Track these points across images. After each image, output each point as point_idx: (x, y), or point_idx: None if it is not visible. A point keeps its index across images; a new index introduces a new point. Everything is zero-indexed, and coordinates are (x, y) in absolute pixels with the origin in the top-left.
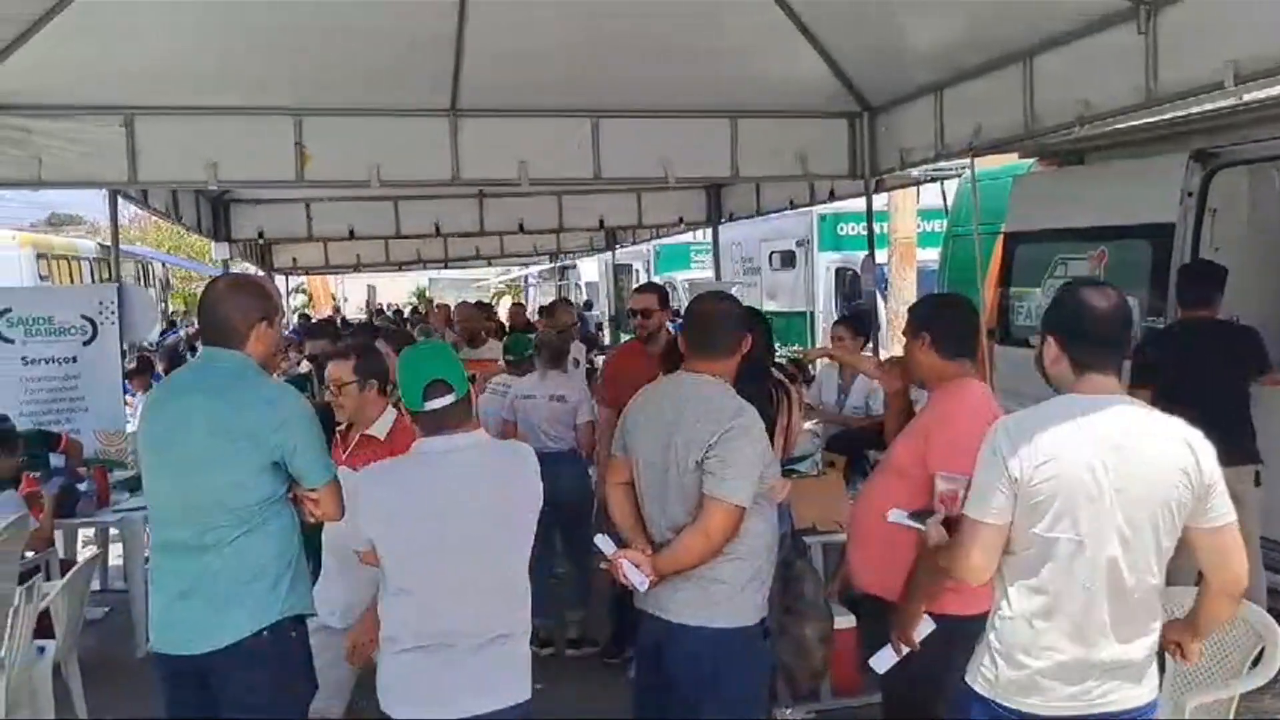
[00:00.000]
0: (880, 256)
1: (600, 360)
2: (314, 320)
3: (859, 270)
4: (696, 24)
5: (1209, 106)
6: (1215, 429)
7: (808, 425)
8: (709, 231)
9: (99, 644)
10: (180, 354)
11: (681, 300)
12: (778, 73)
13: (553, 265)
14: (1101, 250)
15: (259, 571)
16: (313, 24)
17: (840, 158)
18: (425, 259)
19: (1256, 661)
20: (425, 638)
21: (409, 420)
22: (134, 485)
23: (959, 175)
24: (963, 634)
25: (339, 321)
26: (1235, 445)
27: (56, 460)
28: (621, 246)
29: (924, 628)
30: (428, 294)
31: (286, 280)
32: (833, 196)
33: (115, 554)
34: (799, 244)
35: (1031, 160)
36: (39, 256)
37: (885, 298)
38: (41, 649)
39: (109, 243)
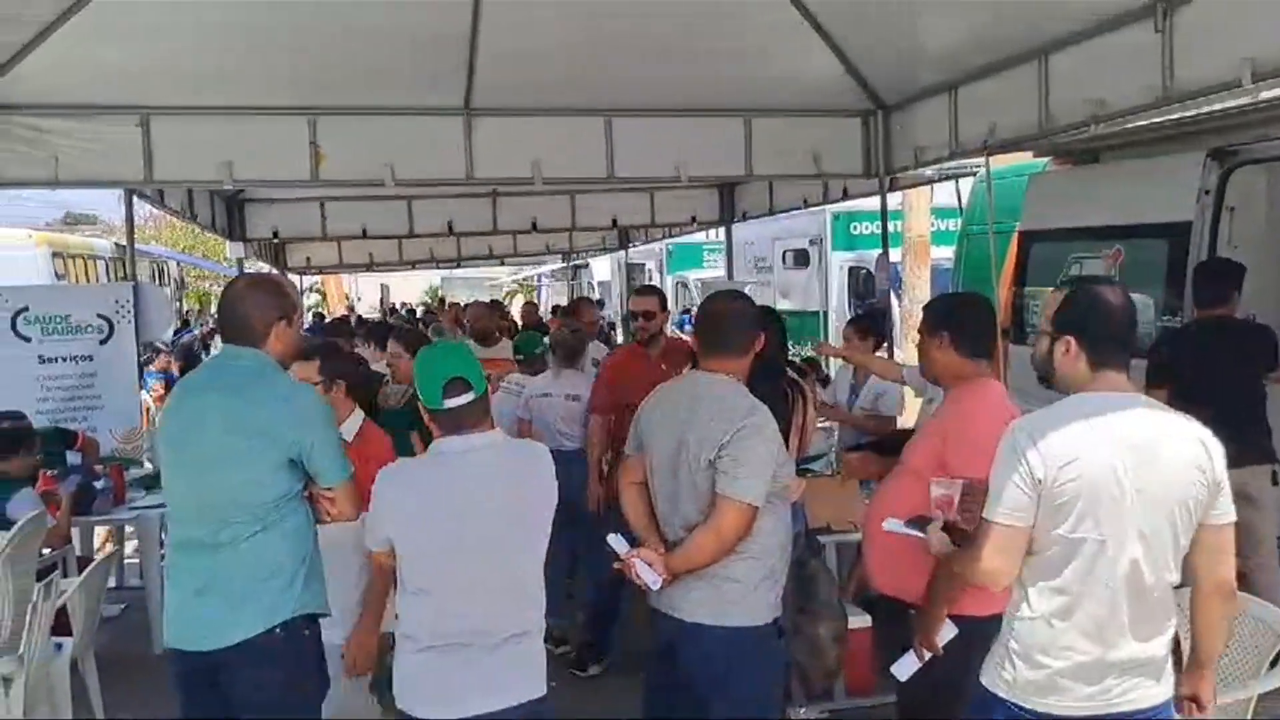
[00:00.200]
0: (894, 255)
1: None
2: (329, 319)
3: (872, 269)
4: (711, 23)
5: (1226, 104)
6: (1232, 429)
7: (820, 424)
8: (721, 231)
9: (115, 641)
10: (195, 353)
11: (694, 300)
12: (792, 71)
13: (565, 264)
14: (1117, 249)
15: (274, 569)
16: (327, 24)
17: (854, 156)
18: (438, 258)
19: (1275, 663)
20: (443, 637)
21: (428, 419)
22: (150, 483)
23: (973, 174)
24: (980, 635)
25: (353, 320)
26: (1252, 445)
27: (73, 458)
28: (634, 246)
29: (946, 632)
30: (440, 293)
31: (300, 279)
32: (846, 195)
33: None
34: (812, 243)
35: (1046, 159)
36: (55, 255)
37: (899, 297)
38: (59, 645)
39: (124, 242)
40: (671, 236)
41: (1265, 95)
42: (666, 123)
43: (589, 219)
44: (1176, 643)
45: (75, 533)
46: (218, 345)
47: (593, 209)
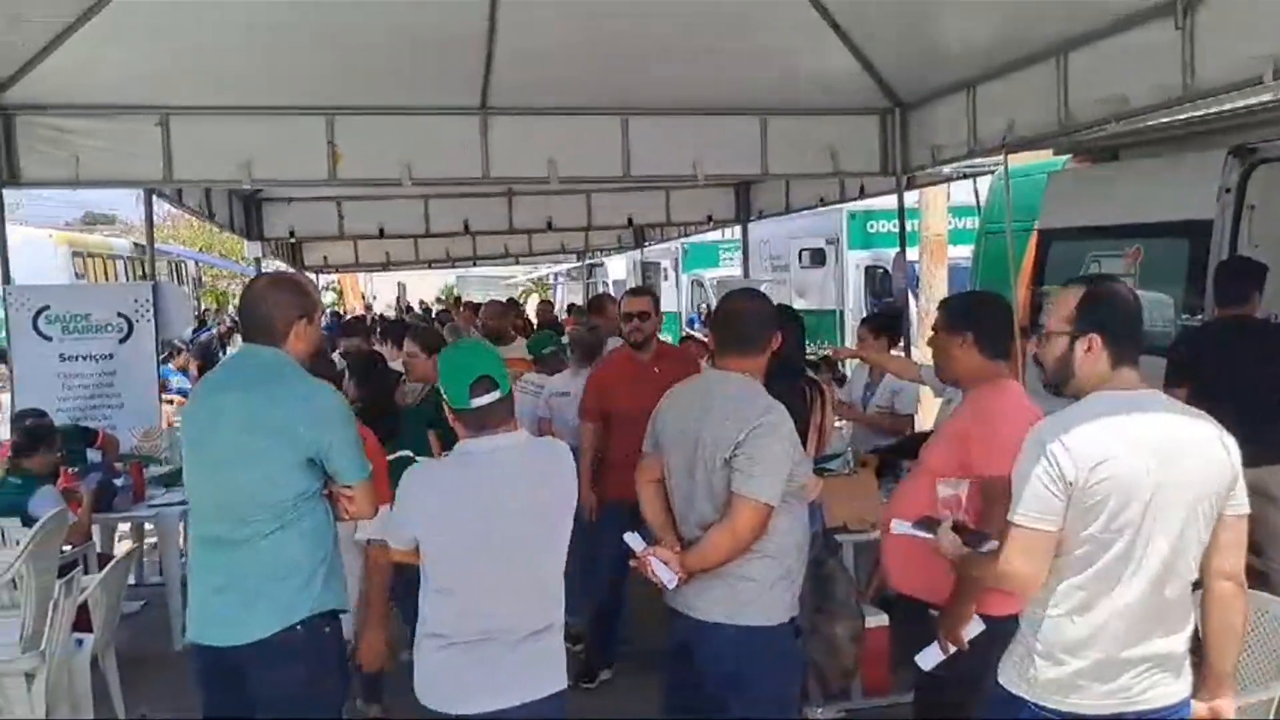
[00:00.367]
0: (911, 254)
1: None
2: (347, 317)
3: (889, 268)
4: (728, 22)
5: (1247, 102)
6: (1251, 427)
7: (835, 424)
8: (737, 229)
9: (135, 637)
10: (213, 351)
11: (709, 298)
12: (809, 70)
13: (580, 263)
14: (1137, 247)
15: (293, 567)
16: (345, 24)
17: (871, 155)
18: (454, 257)
19: None
20: (467, 634)
21: (453, 418)
22: (169, 480)
23: (991, 172)
24: (1001, 635)
25: (370, 319)
26: (1271, 443)
27: (93, 455)
28: (649, 244)
29: (973, 628)
30: (455, 292)
31: (317, 278)
32: (863, 194)
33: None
34: (828, 242)
35: (1065, 157)
36: (75, 255)
37: (916, 296)
38: (80, 642)
39: (143, 241)
40: (687, 235)
41: None
42: (682, 122)
43: (604, 218)
44: (1195, 641)
45: (95, 530)
46: (236, 343)
47: (608, 208)
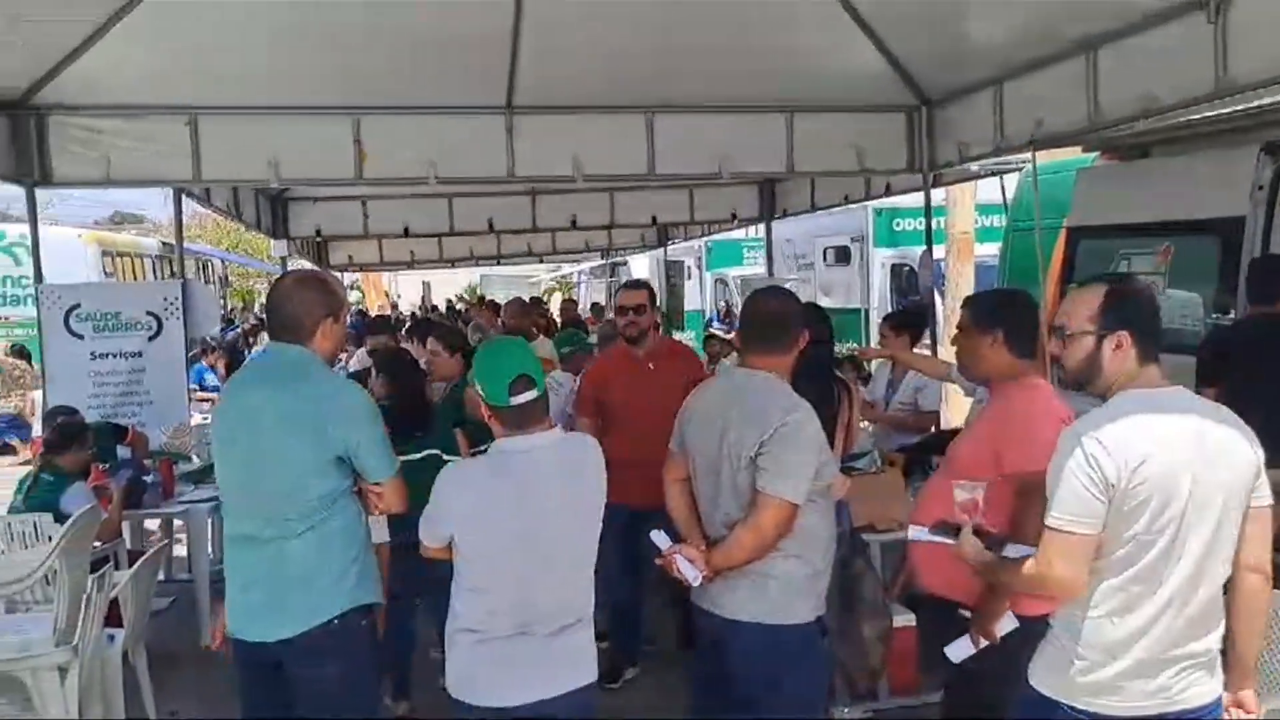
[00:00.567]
0: (937, 252)
1: None
2: (373, 316)
3: (915, 266)
4: (754, 19)
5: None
6: None
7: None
8: (761, 227)
9: (163, 633)
10: (239, 350)
11: (734, 297)
12: (835, 67)
13: (604, 262)
14: (1167, 245)
15: (325, 565)
16: (371, 24)
17: (898, 152)
18: (478, 256)
19: None
20: (500, 629)
21: (489, 416)
22: (198, 477)
23: (1018, 169)
24: (1034, 635)
25: (396, 318)
26: None
27: (123, 452)
28: (673, 243)
29: (1006, 623)
30: (479, 290)
31: (342, 277)
32: (889, 192)
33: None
34: (853, 240)
35: (1094, 154)
36: (104, 254)
37: (942, 294)
38: (111, 637)
39: (170, 240)
40: (711, 234)
41: None
42: (708, 119)
43: (628, 216)
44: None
45: (125, 526)
46: (262, 341)
47: (632, 206)
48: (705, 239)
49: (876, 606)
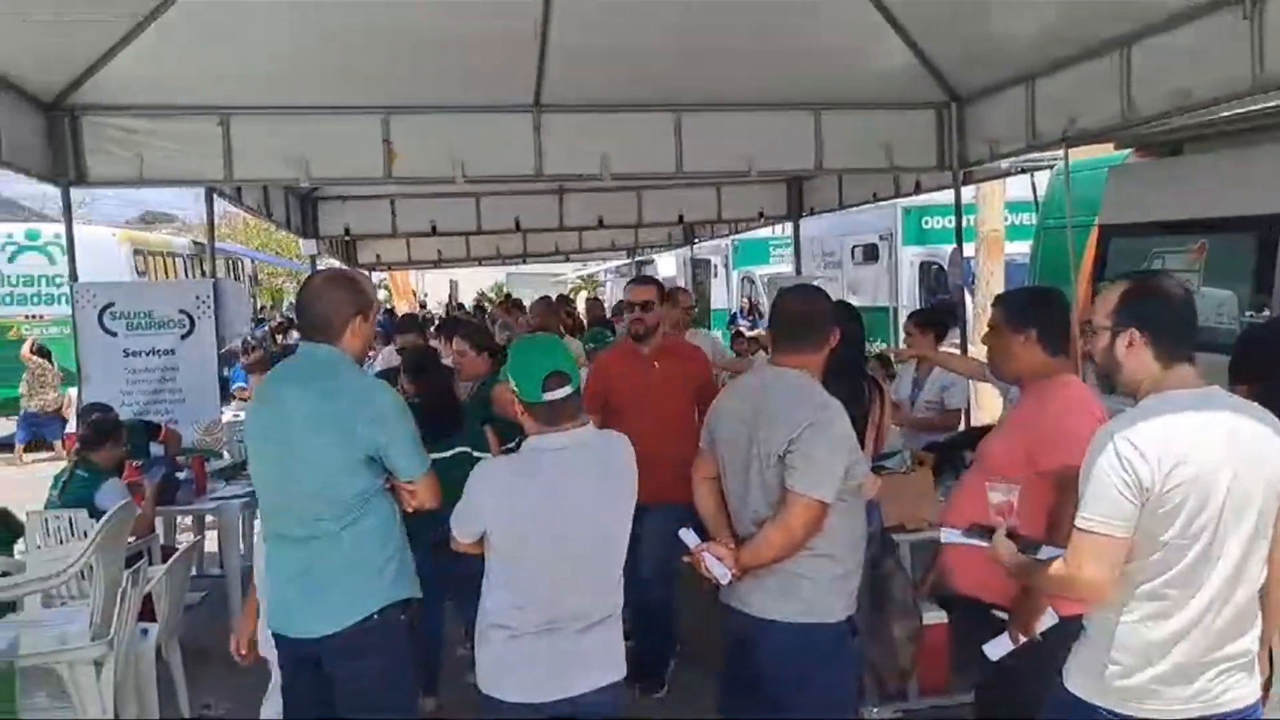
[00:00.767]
0: (967, 250)
1: None
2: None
3: (944, 264)
4: (782, 16)
5: None
6: None
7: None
8: (788, 225)
9: (196, 628)
10: (267, 348)
11: (760, 295)
12: (864, 64)
13: (630, 260)
14: (1202, 243)
15: (360, 563)
16: (400, 23)
17: (927, 150)
18: (504, 254)
19: None
20: (531, 625)
21: (522, 412)
22: (230, 474)
23: (1049, 167)
24: (1071, 635)
25: (423, 316)
26: None
27: (156, 449)
28: (699, 241)
29: (1047, 620)
30: (505, 289)
31: (371, 275)
32: (918, 189)
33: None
34: (882, 238)
35: (1127, 151)
36: (136, 252)
37: (972, 292)
38: (145, 631)
39: (200, 239)
40: (737, 232)
41: None
42: (736, 117)
43: (655, 215)
44: None
45: (158, 522)
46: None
47: (659, 205)
48: (732, 237)
49: (906, 606)
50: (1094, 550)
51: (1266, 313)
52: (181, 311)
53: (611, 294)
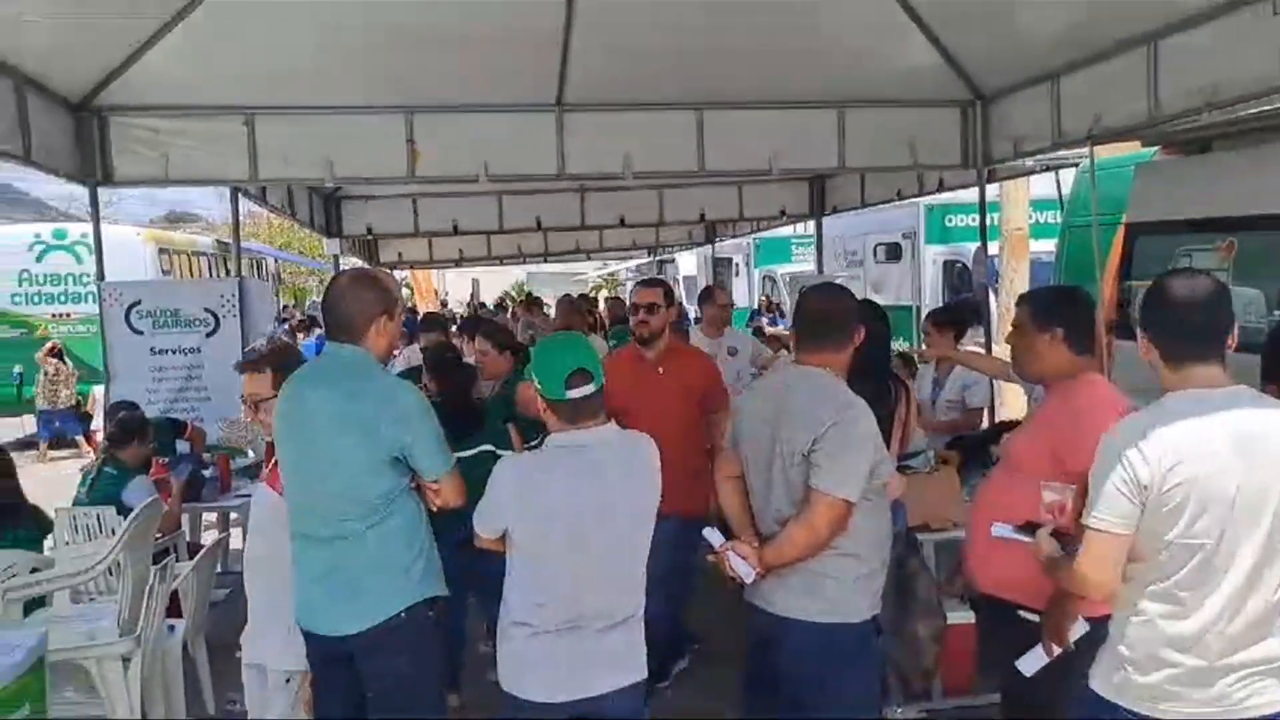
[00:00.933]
0: (991, 249)
1: None
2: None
3: (967, 263)
4: (805, 13)
5: None
6: None
7: None
8: (810, 224)
9: (220, 624)
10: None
11: (782, 295)
12: (888, 61)
13: (651, 259)
14: (1230, 241)
15: (388, 563)
16: (424, 23)
17: (951, 147)
18: (525, 253)
19: None
20: (552, 623)
21: (544, 409)
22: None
23: (1074, 165)
24: (1099, 638)
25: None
26: None
27: (182, 447)
28: (721, 240)
29: (1078, 628)
30: (525, 288)
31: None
32: (942, 187)
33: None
34: (905, 236)
35: (1154, 148)
36: (161, 252)
37: (996, 291)
38: (171, 627)
39: (224, 238)
40: (759, 230)
41: None
42: (758, 115)
43: (677, 213)
44: None
45: (184, 519)
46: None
47: (680, 203)
48: (753, 236)
49: (930, 606)
50: (1095, 549)
51: None
52: (207, 310)
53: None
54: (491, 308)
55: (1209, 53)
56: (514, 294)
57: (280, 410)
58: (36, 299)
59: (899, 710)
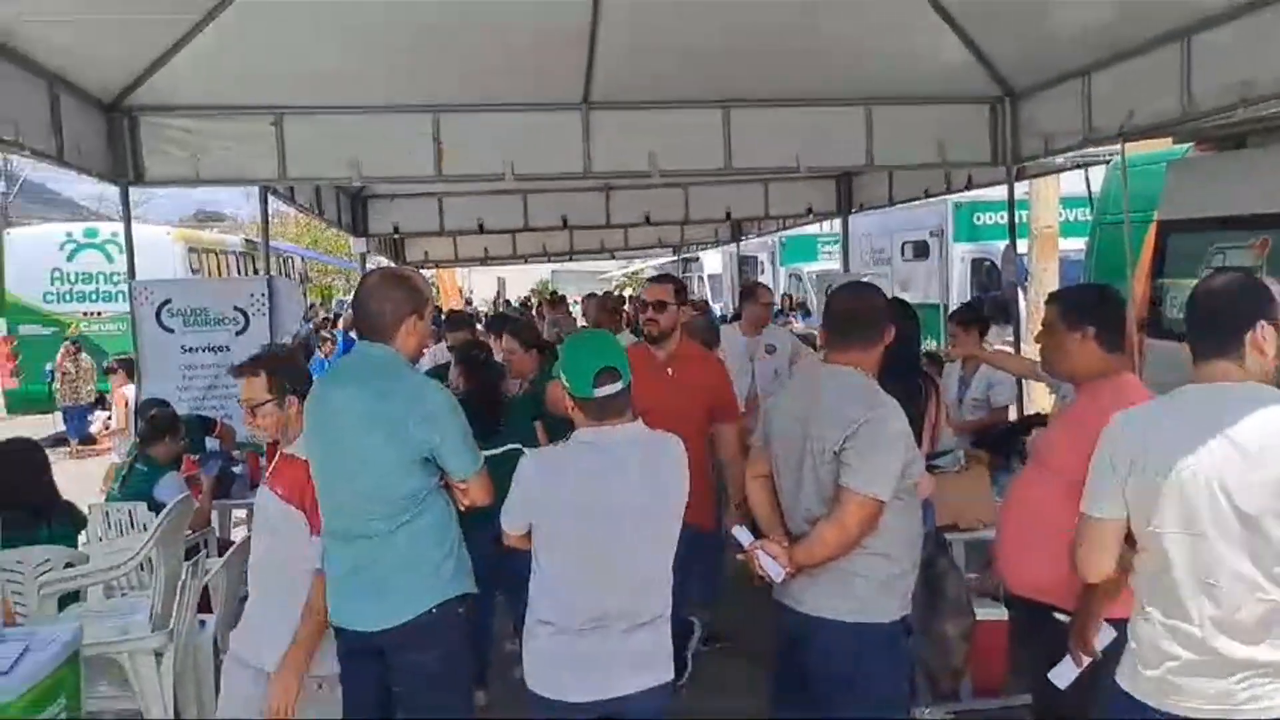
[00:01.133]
0: (1020, 246)
1: None
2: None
3: (996, 261)
4: (832, 10)
5: None
6: None
7: None
8: (837, 222)
9: None
10: (311, 346)
11: (807, 293)
12: (916, 58)
13: (676, 258)
14: (1264, 238)
15: (416, 561)
16: (451, 22)
17: (981, 145)
18: (550, 252)
19: None
20: (577, 622)
21: (572, 407)
22: None
23: (1104, 162)
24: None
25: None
26: None
27: (211, 444)
28: (746, 238)
29: (1105, 636)
30: (550, 286)
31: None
32: (970, 185)
33: None
34: (932, 234)
35: (1187, 145)
36: (190, 251)
37: (1025, 290)
38: (203, 622)
39: (252, 237)
40: (785, 228)
41: None
42: (785, 113)
43: (702, 211)
44: None
45: (214, 515)
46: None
47: (706, 201)
48: (779, 234)
49: (960, 605)
50: (1087, 534)
51: None
52: (236, 309)
53: None
54: (516, 306)
55: (1243, 49)
56: (539, 292)
57: (309, 409)
58: (68, 297)
59: (927, 711)
